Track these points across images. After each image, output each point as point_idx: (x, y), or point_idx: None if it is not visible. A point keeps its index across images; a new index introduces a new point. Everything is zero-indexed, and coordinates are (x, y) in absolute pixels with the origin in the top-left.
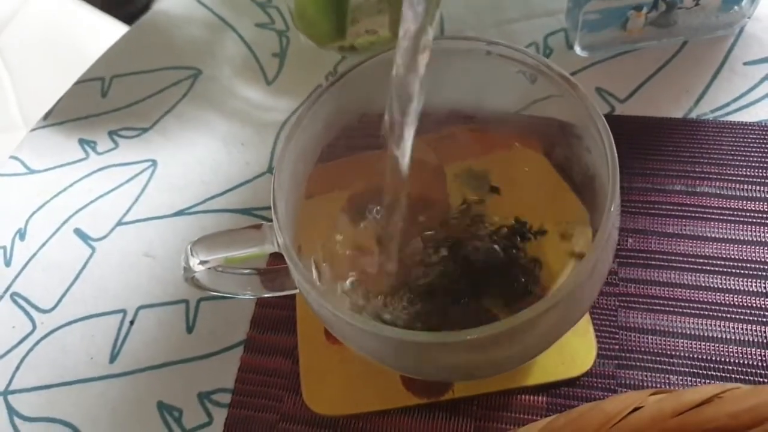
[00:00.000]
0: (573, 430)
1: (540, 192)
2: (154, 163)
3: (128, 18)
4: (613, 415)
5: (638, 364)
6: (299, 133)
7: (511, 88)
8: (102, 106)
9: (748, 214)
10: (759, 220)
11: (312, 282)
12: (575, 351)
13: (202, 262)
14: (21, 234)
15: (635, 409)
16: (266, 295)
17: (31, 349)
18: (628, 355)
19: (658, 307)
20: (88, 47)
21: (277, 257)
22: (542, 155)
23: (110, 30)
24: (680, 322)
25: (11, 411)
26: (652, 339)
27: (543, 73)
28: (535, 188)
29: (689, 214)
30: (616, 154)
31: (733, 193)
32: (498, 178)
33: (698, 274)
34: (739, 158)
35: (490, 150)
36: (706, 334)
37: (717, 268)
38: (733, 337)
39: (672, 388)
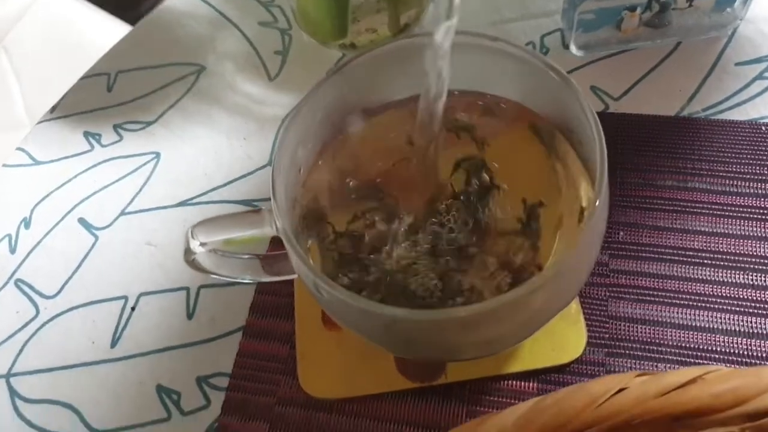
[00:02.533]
0: (559, 410)
1: (535, 178)
2: (157, 155)
3: (135, 20)
4: (598, 396)
5: (628, 352)
6: (299, 120)
7: (509, 82)
8: (107, 100)
9: (737, 209)
10: (748, 215)
11: (308, 263)
12: (566, 338)
13: (202, 244)
14: (26, 222)
15: (620, 391)
16: (265, 280)
17: (34, 334)
18: (617, 343)
19: (648, 298)
20: (94, 48)
21: (277, 246)
22: (539, 144)
23: (116, 31)
24: (669, 312)
25: (13, 393)
26: (641, 328)
27: (539, 68)
28: (531, 175)
29: (680, 208)
30: (603, 134)
31: (724, 189)
32: (497, 164)
33: (687, 266)
34: (729, 155)
35: (490, 137)
36: (694, 324)
37: (706, 261)
38: (720, 327)
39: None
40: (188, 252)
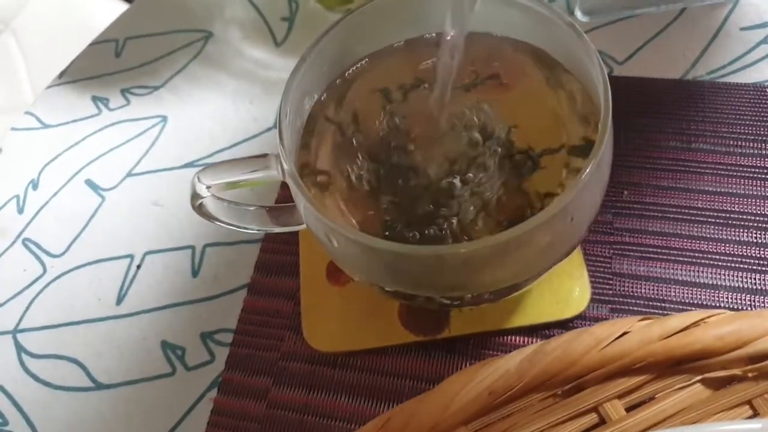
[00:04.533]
0: (562, 352)
1: (540, 121)
2: (164, 118)
3: None
4: (603, 339)
5: (631, 308)
6: (305, 67)
7: (523, 28)
8: (115, 65)
9: (740, 168)
10: (750, 174)
11: (314, 202)
12: (569, 293)
13: (208, 188)
14: (34, 184)
15: (623, 334)
16: (271, 230)
17: (41, 291)
18: (621, 299)
19: (652, 255)
20: (101, 30)
21: (282, 201)
22: (546, 87)
23: None
24: (673, 269)
25: (20, 348)
26: (645, 285)
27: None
28: (536, 119)
29: (684, 168)
30: (606, 74)
31: (727, 149)
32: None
33: (691, 225)
34: (732, 117)
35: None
36: (697, 281)
37: (710, 219)
38: (723, 284)
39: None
40: (195, 197)
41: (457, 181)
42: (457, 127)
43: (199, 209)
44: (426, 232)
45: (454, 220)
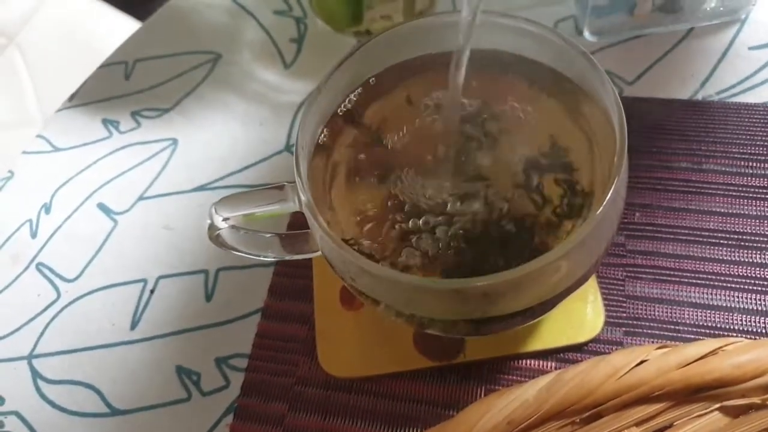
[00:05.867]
0: (580, 381)
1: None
2: (174, 141)
3: (146, 17)
4: (620, 367)
5: (645, 331)
6: (321, 99)
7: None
8: (125, 88)
9: (752, 189)
10: (762, 195)
11: (332, 234)
12: (584, 317)
13: (224, 219)
14: (46, 208)
15: (641, 363)
16: (287, 258)
17: (55, 316)
18: (635, 322)
19: (665, 278)
20: (106, 45)
21: (295, 226)
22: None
23: (128, 28)
24: (686, 291)
25: (35, 374)
26: (659, 307)
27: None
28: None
29: (695, 189)
30: (621, 105)
31: (738, 170)
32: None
33: (703, 246)
34: (743, 137)
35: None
36: (711, 303)
37: (722, 241)
38: (737, 306)
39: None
40: (212, 228)
41: (473, 207)
42: (470, 150)
43: (216, 240)
44: (446, 261)
45: (471, 249)
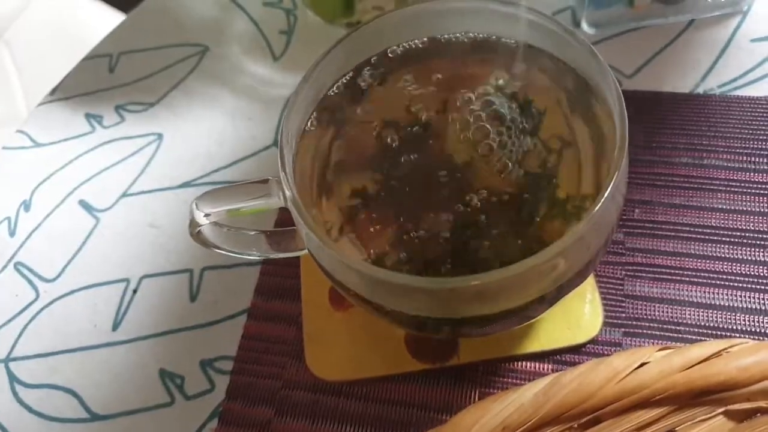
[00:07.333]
0: (579, 384)
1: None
2: (160, 136)
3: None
4: (620, 370)
5: (645, 331)
6: (306, 89)
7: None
8: (109, 81)
9: (754, 185)
10: (765, 191)
11: (318, 231)
12: (581, 317)
13: (206, 215)
14: (26, 205)
15: (642, 365)
16: (272, 256)
17: (33, 317)
18: (634, 323)
19: (665, 276)
20: (96, 42)
21: (283, 224)
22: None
23: (118, 22)
24: (687, 290)
25: (12, 378)
26: (659, 307)
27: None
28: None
29: (696, 185)
30: (622, 98)
31: (740, 165)
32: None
33: (705, 244)
34: (745, 132)
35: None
36: (712, 303)
37: (724, 238)
38: (740, 305)
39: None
40: (193, 224)
41: (468, 203)
42: (465, 143)
43: (198, 237)
44: (436, 258)
45: (462, 246)
